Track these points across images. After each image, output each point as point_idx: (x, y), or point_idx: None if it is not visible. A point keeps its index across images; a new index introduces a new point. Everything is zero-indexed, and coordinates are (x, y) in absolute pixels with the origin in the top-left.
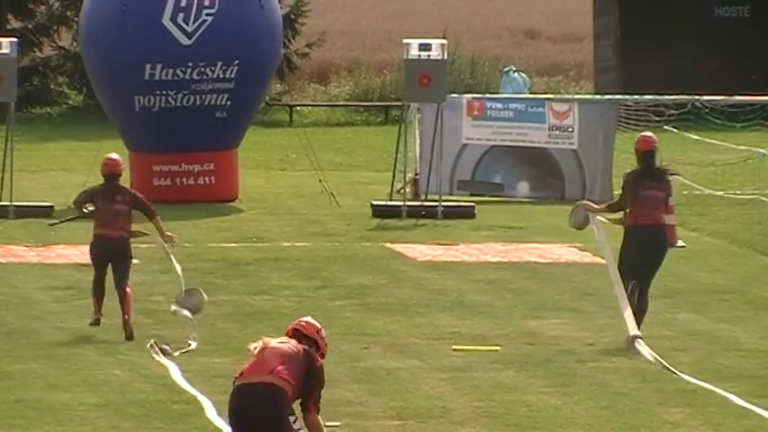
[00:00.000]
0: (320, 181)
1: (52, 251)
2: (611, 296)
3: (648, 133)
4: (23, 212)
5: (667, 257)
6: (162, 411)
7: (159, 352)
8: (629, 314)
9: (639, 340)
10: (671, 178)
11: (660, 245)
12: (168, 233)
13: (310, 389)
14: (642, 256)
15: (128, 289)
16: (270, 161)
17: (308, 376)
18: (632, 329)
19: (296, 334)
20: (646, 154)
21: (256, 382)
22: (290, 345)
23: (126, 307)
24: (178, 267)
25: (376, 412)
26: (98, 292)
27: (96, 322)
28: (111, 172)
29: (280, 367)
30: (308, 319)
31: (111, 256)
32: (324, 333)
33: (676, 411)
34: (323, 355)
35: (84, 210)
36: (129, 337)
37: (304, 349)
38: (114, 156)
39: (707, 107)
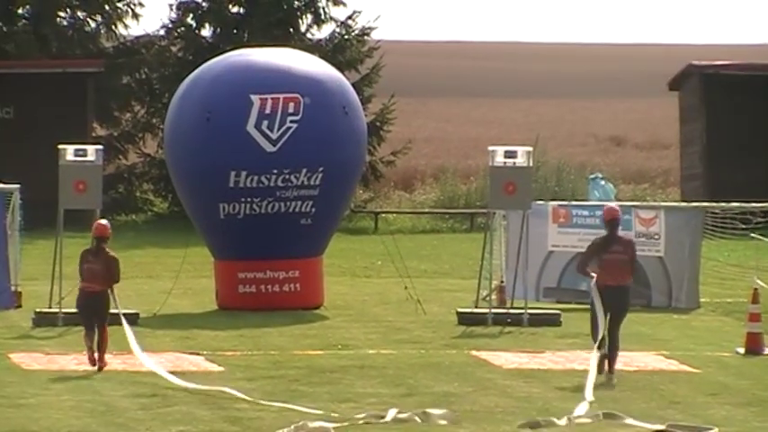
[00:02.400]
0: (406, 288)
1: (137, 358)
2: (698, 404)
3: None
4: (109, 320)
5: (755, 365)
6: None
7: None
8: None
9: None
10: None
11: (624, 303)
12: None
13: None
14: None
15: (105, 332)
16: (355, 268)
17: None
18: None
19: None
20: (611, 223)
21: None
22: None
23: (103, 346)
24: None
25: None
26: (89, 340)
27: (96, 367)
28: (99, 235)
29: None
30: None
31: (91, 307)
32: None
33: None
34: None
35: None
36: (100, 369)
37: None
38: (103, 221)
39: None
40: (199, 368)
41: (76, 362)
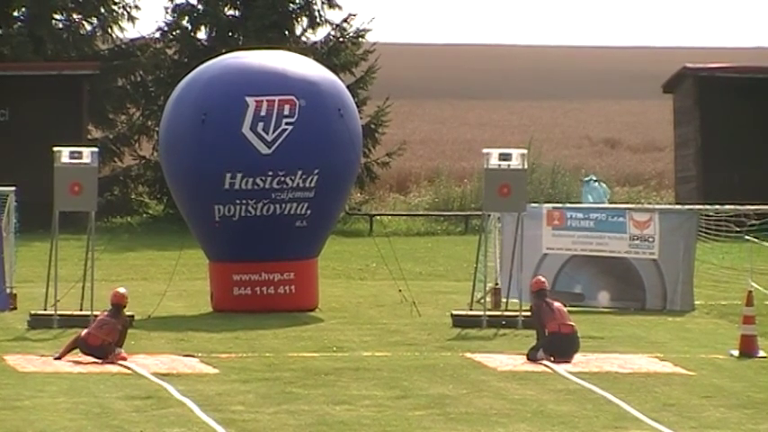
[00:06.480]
0: (400, 290)
1: (132, 361)
2: (692, 407)
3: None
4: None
5: (749, 368)
6: None
7: None
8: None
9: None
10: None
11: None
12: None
13: None
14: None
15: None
16: (350, 270)
17: None
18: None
19: None
20: (539, 293)
21: None
22: None
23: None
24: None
25: None
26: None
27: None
28: (117, 302)
29: None
30: None
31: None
32: None
33: None
34: None
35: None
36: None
37: None
38: (122, 290)
39: None
40: (194, 370)
41: (71, 364)
